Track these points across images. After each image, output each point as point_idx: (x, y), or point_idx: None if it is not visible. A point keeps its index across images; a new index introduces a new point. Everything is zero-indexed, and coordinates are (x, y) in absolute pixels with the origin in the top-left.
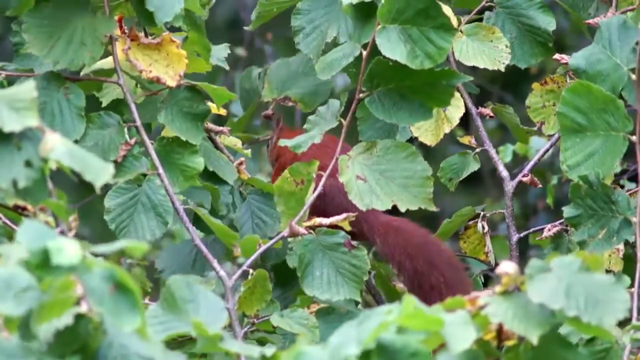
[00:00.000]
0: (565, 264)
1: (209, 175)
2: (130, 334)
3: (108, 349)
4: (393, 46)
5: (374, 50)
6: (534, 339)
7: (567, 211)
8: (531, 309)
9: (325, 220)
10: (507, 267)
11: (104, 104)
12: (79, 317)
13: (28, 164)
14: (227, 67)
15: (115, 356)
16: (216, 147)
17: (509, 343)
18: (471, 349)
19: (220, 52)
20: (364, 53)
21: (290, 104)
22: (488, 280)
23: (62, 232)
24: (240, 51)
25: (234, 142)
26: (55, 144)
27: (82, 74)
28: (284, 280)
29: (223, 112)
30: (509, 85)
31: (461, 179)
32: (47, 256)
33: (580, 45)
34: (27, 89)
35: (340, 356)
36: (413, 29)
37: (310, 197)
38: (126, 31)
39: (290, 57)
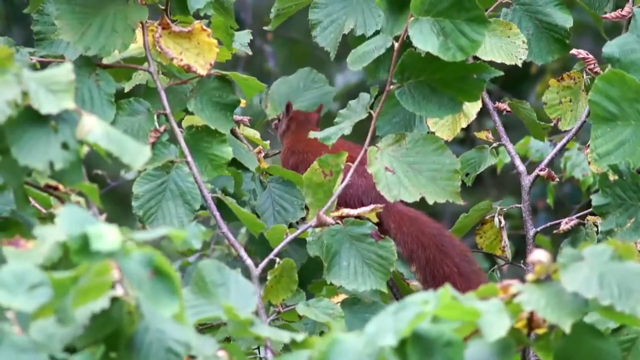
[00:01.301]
0: (598, 252)
1: (230, 163)
2: (166, 318)
3: (144, 333)
4: (425, 38)
5: (406, 43)
6: (566, 327)
7: (596, 199)
8: (564, 297)
9: (353, 211)
10: (540, 255)
11: (126, 90)
12: (114, 301)
13: (65, 146)
14: (250, 52)
15: (152, 340)
16: (235, 136)
17: (540, 331)
18: (504, 338)
19: (243, 38)
20: (396, 45)
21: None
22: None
23: (93, 215)
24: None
25: (253, 133)
26: (93, 126)
27: (107, 61)
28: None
29: (244, 102)
30: (509, 85)
31: (478, 173)
32: (87, 241)
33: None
34: (64, 71)
35: (376, 345)
36: (446, 21)
37: (339, 188)
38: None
39: (289, 76)
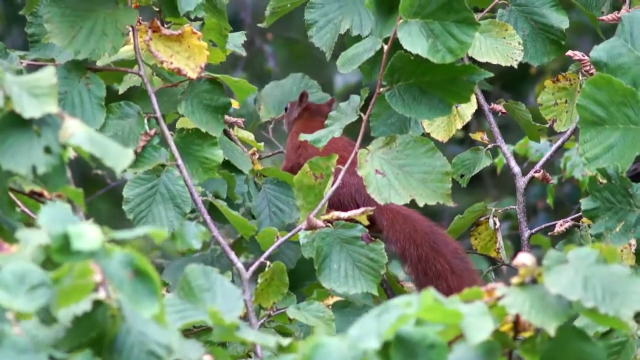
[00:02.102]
0: (582, 255)
1: (224, 165)
2: (148, 320)
3: (126, 335)
4: (414, 40)
5: (395, 45)
6: (551, 330)
7: (585, 203)
8: (548, 300)
9: (343, 214)
10: (525, 258)
11: (120, 92)
12: (96, 304)
13: (47, 150)
14: (244, 54)
15: (133, 342)
16: (229, 138)
17: (526, 335)
18: (488, 341)
19: (237, 39)
20: (385, 47)
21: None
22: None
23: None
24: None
25: (247, 134)
26: (75, 129)
27: (99, 64)
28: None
29: (236, 104)
30: (509, 85)
31: (473, 174)
32: (68, 241)
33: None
34: (47, 75)
35: (360, 348)
36: (435, 23)
37: (329, 191)
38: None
39: (281, 80)
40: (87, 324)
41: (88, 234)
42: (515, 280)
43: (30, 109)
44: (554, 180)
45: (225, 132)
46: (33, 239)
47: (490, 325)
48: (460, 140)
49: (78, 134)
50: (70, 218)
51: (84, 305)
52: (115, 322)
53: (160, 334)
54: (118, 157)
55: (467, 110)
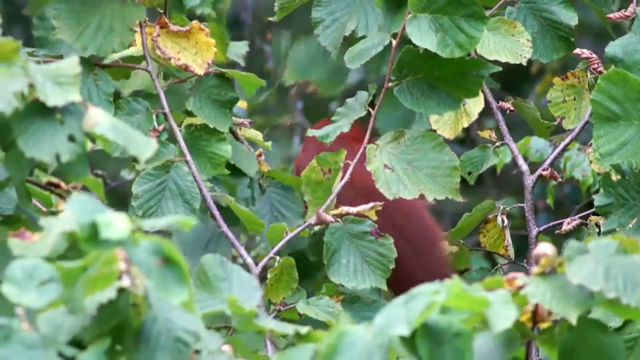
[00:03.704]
0: (603, 246)
1: (228, 169)
2: (174, 307)
3: (152, 323)
4: (423, 35)
5: (404, 40)
6: (573, 319)
7: (598, 199)
8: (569, 290)
9: (352, 209)
10: (545, 248)
11: (126, 93)
12: (120, 292)
13: (71, 138)
14: (243, 64)
15: (160, 330)
16: (236, 138)
17: (544, 325)
18: (509, 330)
19: (239, 49)
20: (394, 42)
21: (311, 88)
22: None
23: None
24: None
25: (255, 134)
26: (99, 118)
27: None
28: (301, 272)
29: (244, 104)
30: (509, 85)
31: (480, 172)
32: (96, 230)
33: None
34: (70, 64)
35: (387, 336)
36: (444, 17)
37: (338, 186)
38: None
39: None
40: (109, 312)
41: (116, 223)
42: (535, 270)
43: (53, 97)
44: (560, 178)
45: (233, 133)
46: (57, 226)
47: (514, 313)
48: (460, 140)
49: (102, 122)
50: (98, 207)
51: (108, 293)
52: (138, 310)
53: (187, 321)
54: (142, 146)
55: (474, 108)
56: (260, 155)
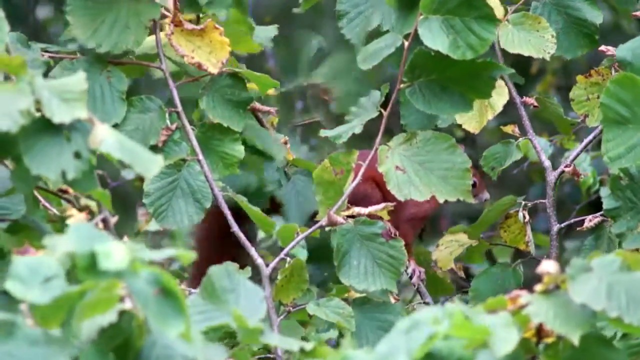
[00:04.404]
0: (606, 263)
1: (256, 153)
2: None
3: (151, 348)
4: (435, 36)
5: (416, 41)
6: (575, 339)
7: (607, 202)
8: (572, 308)
9: (364, 210)
10: (548, 266)
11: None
12: (122, 314)
13: (77, 155)
14: (267, 45)
15: (159, 356)
16: (262, 125)
17: (548, 340)
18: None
19: (268, 32)
20: (406, 44)
21: (327, 97)
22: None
23: (104, 220)
24: None
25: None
26: (105, 135)
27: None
28: (320, 257)
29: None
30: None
31: (504, 167)
32: (94, 259)
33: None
34: (78, 80)
35: None
36: (456, 19)
37: (349, 187)
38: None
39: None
40: (113, 332)
41: (115, 253)
42: (538, 287)
43: (60, 114)
44: (582, 176)
45: (258, 120)
46: (60, 245)
47: (516, 336)
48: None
49: (108, 139)
50: (98, 235)
51: (110, 317)
52: (141, 331)
53: (186, 347)
54: (147, 164)
55: (498, 101)
56: (286, 142)
